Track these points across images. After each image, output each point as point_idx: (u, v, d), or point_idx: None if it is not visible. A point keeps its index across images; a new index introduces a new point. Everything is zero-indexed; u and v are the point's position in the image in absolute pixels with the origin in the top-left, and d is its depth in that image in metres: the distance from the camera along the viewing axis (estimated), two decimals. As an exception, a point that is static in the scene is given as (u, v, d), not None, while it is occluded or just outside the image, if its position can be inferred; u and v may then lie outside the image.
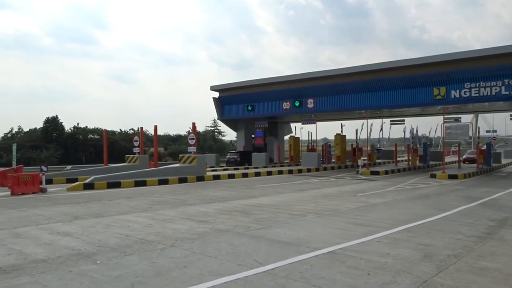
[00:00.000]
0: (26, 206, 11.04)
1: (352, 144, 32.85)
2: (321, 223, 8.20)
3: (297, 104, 28.46)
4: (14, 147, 19.88)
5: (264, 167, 28.59)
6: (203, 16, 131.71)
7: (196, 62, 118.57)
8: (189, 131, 27.53)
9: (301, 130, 34.74)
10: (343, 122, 34.81)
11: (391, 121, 30.58)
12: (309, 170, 25.65)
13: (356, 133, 31.58)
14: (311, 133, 34.25)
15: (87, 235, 7.18)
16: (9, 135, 46.79)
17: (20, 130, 48.36)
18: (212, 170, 24.94)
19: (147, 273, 4.90)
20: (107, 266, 5.22)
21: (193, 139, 20.50)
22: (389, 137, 40.27)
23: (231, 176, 21.25)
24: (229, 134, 68.44)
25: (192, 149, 20.44)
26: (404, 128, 34.87)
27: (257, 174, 22.69)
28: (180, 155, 21.83)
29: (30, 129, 48.61)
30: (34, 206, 10.95)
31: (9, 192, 14.07)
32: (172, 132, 70.53)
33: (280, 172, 24.08)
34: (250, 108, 31.23)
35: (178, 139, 64.81)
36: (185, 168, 19.91)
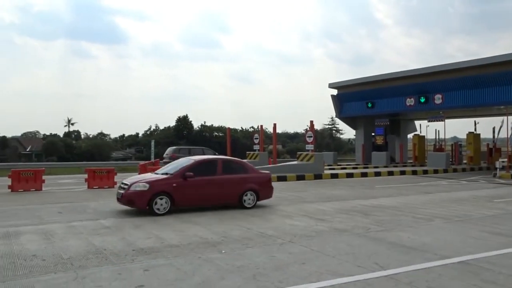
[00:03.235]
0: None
1: (488, 144, 29.31)
2: (450, 230, 7.52)
3: (422, 100, 26.44)
4: (153, 143, 22.44)
5: (385, 166, 27.25)
6: (319, 13, 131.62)
7: (313, 60, 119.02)
8: (306, 129, 27.69)
9: (426, 128, 32.04)
10: (477, 119, 31.23)
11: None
12: (435, 172, 23.67)
13: (493, 132, 28.09)
14: (438, 131, 31.59)
15: (213, 225, 7.73)
16: (148, 132, 52.98)
17: (157, 128, 54.41)
18: (330, 169, 24.67)
19: (267, 265, 5.08)
20: (230, 255, 5.55)
21: (311, 137, 20.56)
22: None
23: (349, 175, 20.76)
24: (347, 132, 66.97)
25: (310, 147, 20.51)
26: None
27: (377, 174, 21.74)
28: (298, 152, 22.10)
29: (165, 127, 54.32)
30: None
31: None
32: (290, 130, 71.85)
33: (402, 173, 22.70)
34: (370, 105, 30.05)
35: (295, 136, 65.73)
36: (302, 165, 20.08)
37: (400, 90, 27.97)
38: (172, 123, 54.53)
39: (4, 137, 53.74)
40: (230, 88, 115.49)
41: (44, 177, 14.46)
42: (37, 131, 75.36)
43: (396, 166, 27.57)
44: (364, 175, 21.17)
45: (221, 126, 54.63)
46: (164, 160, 18.72)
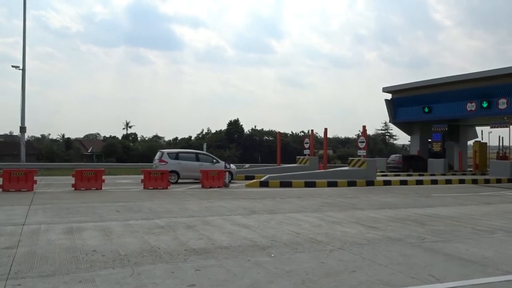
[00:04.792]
0: (213, 198, 12.64)
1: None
2: (514, 244, 7.02)
3: (485, 105, 25.01)
4: (205, 146, 23.03)
5: (442, 174, 26.02)
6: (372, 15, 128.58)
7: (366, 63, 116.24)
8: (359, 134, 27.13)
9: (489, 135, 30.34)
10: (547, 125, 28.96)
11: None
12: (499, 181, 22.21)
13: None
14: (502, 138, 29.74)
15: (262, 229, 7.79)
16: (200, 136, 54.36)
17: (209, 131, 55.70)
18: (382, 175, 23.95)
19: (316, 272, 5.03)
20: (279, 260, 5.56)
21: (363, 142, 20.10)
22: None
23: (403, 182, 20.04)
24: (401, 138, 64.79)
25: (362, 152, 20.06)
26: None
27: (434, 182, 20.80)
28: (349, 158, 21.69)
29: (216, 131, 55.48)
30: (219, 199, 12.45)
31: (200, 185, 16.33)
32: (341, 135, 70.63)
33: (461, 181, 21.54)
34: (427, 109, 28.87)
35: (347, 142, 64.54)
36: (354, 171, 19.67)
37: (460, 94, 26.64)
38: (223, 126, 55.64)
39: (68, 138, 57.45)
40: (281, 92, 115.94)
41: (103, 177, 15.29)
42: (98, 133, 79.94)
43: (454, 174, 26.24)
44: (419, 182, 20.34)
45: (272, 130, 54.91)
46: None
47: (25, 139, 27.80)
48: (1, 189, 13.49)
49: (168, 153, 18.50)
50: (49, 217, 8.78)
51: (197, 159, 18.54)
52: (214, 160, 18.85)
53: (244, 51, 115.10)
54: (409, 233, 7.60)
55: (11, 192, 13.36)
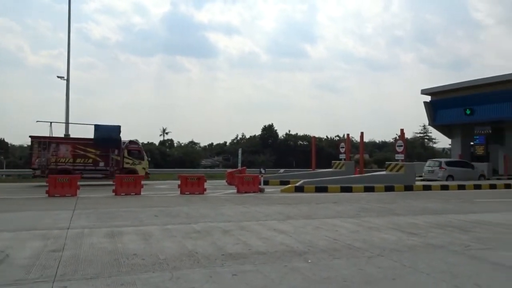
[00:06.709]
0: (248, 203, 12.69)
1: None
2: None
3: (531, 105, 23.77)
4: (240, 151, 23.16)
5: (486, 179, 24.88)
6: (409, 15, 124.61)
7: (403, 65, 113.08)
8: (396, 137, 26.44)
9: (537, 137, 28.70)
10: None
11: None
12: (548, 186, 21.00)
13: None
14: (551, 140, 28.02)
15: (299, 234, 7.73)
16: (235, 141, 54.81)
17: (243, 136, 56.04)
18: (422, 180, 23.21)
19: (355, 279, 4.94)
20: (317, 266, 5.50)
21: (401, 146, 19.59)
22: None
23: (444, 187, 19.34)
24: (441, 141, 62.54)
25: (399, 156, 19.55)
26: None
27: (477, 186, 19.95)
28: (386, 162, 21.17)
29: (251, 136, 55.72)
30: (255, 204, 12.48)
31: (235, 190, 16.44)
32: (378, 138, 69.14)
33: (507, 186, 20.53)
34: (468, 111, 27.81)
35: (384, 146, 63.10)
36: (392, 176, 19.19)
37: (504, 95, 25.50)
38: (258, 132, 55.80)
39: (109, 145, 59.39)
40: (315, 97, 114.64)
41: (142, 182, 15.71)
42: (136, 140, 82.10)
43: (499, 179, 25.05)
44: (461, 187, 19.57)
45: (306, 135, 54.51)
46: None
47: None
48: (47, 195, 14.14)
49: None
50: (91, 221, 9.11)
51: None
52: None
53: (278, 56, 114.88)
54: (452, 240, 7.31)
55: (56, 197, 13.97)
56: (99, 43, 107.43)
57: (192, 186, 15.80)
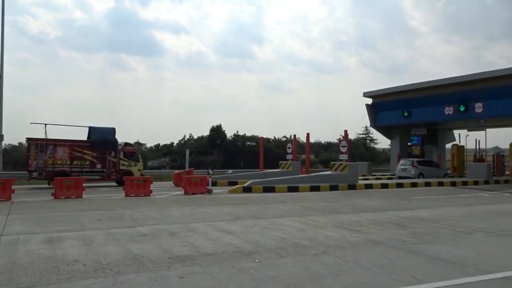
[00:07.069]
0: (196, 204, 12.56)
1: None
2: (492, 244, 7.21)
3: (462, 109, 25.63)
4: (187, 152, 22.87)
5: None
6: (352, 20, 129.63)
7: (347, 69, 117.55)
8: (340, 138, 27.36)
9: (466, 138, 31.03)
10: (521, 128, 29.90)
11: None
12: (476, 183, 22.78)
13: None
14: (479, 141, 30.50)
15: (246, 234, 7.78)
16: (182, 142, 53.95)
17: (191, 137, 55.26)
18: (364, 179, 24.25)
19: (301, 276, 5.06)
20: (264, 265, 5.57)
21: (345, 146, 20.33)
22: None
23: (384, 186, 20.34)
24: (382, 142, 65.52)
25: (343, 156, 20.28)
26: None
27: (414, 185, 21.17)
28: (331, 162, 21.87)
29: (199, 137, 55.07)
30: (202, 205, 12.38)
31: (183, 192, 16.21)
32: (323, 139, 71.10)
33: (440, 184, 21.99)
34: (406, 114, 29.40)
35: (329, 146, 64.95)
36: (336, 175, 19.86)
37: (438, 99, 27.25)
38: (206, 132, 55.30)
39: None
40: (263, 98, 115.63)
41: (84, 184, 15.03)
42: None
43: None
44: (399, 185, 20.67)
45: (254, 135, 54.85)
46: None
47: (2, 147, 27.04)
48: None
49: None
50: (28, 226, 8.57)
51: None
52: None
53: (226, 56, 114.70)
54: (391, 236, 7.71)
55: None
56: (36, 38, 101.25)
57: (138, 188, 15.37)
